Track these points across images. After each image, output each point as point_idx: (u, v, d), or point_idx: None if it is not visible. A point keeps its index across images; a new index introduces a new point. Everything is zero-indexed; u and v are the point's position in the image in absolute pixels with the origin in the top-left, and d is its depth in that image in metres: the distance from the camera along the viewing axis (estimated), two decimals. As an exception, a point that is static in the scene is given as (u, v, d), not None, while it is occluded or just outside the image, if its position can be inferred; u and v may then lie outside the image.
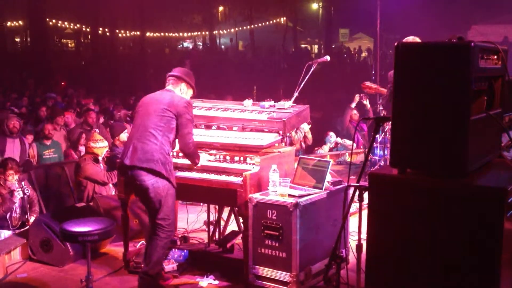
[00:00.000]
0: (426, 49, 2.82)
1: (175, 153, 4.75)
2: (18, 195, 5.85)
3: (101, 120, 10.19)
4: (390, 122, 2.97)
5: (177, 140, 4.44)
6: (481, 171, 2.91)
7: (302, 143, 9.03)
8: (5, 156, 6.98)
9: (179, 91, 4.52)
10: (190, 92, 4.61)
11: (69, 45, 36.67)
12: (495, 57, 2.95)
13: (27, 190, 5.91)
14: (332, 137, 9.95)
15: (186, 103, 4.38)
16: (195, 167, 4.56)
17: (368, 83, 7.39)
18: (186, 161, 4.66)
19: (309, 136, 9.22)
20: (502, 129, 3.18)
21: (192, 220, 5.89)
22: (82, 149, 8.14)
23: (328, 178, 4.43)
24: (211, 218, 5.21)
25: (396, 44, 2.84)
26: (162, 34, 33.83)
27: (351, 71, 21.88)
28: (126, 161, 4.30)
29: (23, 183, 5.96)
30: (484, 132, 2.96)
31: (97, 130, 8.32)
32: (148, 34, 31.73)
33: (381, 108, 7.78)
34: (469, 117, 2.69)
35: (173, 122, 4.32)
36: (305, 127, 8.71)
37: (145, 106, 4.45)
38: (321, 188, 4.28)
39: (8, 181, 5.94)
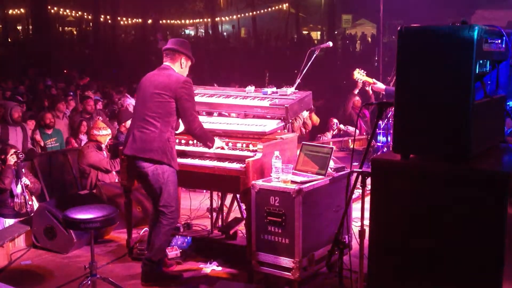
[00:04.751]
0: (430, 33, 2.79)
1: (183, 141, 4.74)
2: (13, 159, 5.91)
3: (99, 106, 10.15)
4: (393, 108, 2.95)
5: (181, 122, 4.40)
6: (484, 156, 2.90)
7: (302, 129, 9.01)
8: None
9: (178, 66, 4.38)
10: (189, 63, 4.47)
11: (72, 33, 36.59)
12: (499, 40, 2.92)
13: (20, 154, 6.00)
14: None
15: (183, 83, 4.22)
16: (207, 154, 4.52)
17: (357, 73, 6.28)
18: (190, 148, 4.66)
19: (309, 121, 9.18)
20: (506, 114, 3.16)
21: (195, 207, 5.90)
22: (82, 137, 8.17)
23: (331, 164, 4.41)
24: (214, 205, 5.22)
25: (399, 28, 2.81)
26: (164, 21, 33.67)
27: (354, 57, 21.77)
28: (126, 151, 4.30)
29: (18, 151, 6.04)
30: (488, 116, 2.94)
31: (100, 118, 8.34)
32: (149, 21, 31.59)
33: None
34: (473, 101, 2.67)
35: (171, 105, 4.21)
36: (304, 113, 8.68)
37: (142, 91, 4.36)
38: (323, 175, 4.27)
39: (8, 162, 5.98)
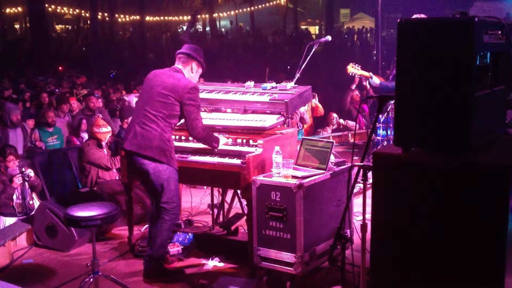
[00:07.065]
0: (430, 25, 2.78)
1: (183, 137, 4.72)
2: (18, 181, 5.87)
3: (100, 103, 10.14)
4: (393, 102, 2.94)
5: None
6: (486, 148, 2.89)
7: (299, 124, 9.00)
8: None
9: (189, 70, 4.42)
10: (200, 70, 4.51)
11: (69, 31, 36.51)
12: (499, 32, 2.91)
13: (27, 176, 5.92)
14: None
15: (190, 89, 4.26)
16: (207, 150, 4.52)
17: (351, 67, 6.43)
18: (191, 145, 4.65)
19: (307, 117, 9.16)
20: (507, 106, 3.15)
21: (196, 203, 5.90)
22: (84, 135, 8.16)
23: (331, 158, 4.41)
24: (215, 201, 5.21)
25: (399, 20, 2.80)
26: (161, 18, 33.59)
27: (353, 51, 21.74)
28: (126, 146, 4.31)
29: (23, 168, 5.97)
30: (489, 108, 2.93)
31: (100, 115, 8.33)
32: (147, 18, 31.52)
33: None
34: (474, 93, 2.66)
35: (176, 108, 4.25)
36: (301, 108, 8.65)
37: (148, 87, 4.37)
38: (324, 169, 4.26)
39: (9, 167, 5.96)
